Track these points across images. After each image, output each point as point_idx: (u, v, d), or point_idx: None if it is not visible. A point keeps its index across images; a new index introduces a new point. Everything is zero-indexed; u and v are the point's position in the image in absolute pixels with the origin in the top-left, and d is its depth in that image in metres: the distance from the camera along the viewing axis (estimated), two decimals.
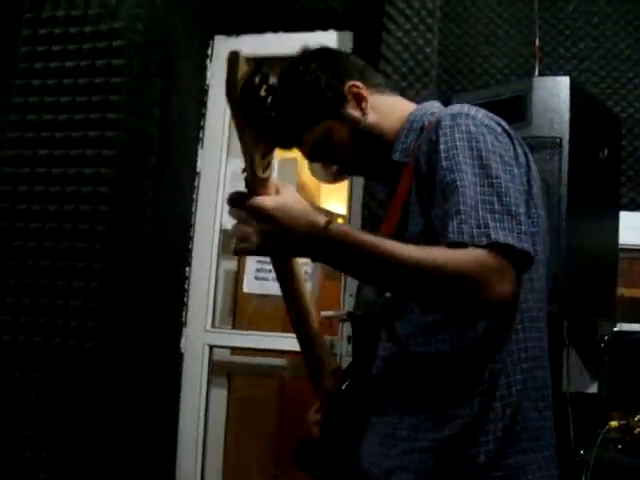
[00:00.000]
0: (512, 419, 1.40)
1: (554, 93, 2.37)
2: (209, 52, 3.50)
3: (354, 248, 1.26)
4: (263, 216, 1.24)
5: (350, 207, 3.22)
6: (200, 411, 3.26)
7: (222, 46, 3.50)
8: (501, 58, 3.28)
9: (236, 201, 1.27)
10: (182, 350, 3.28)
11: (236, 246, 1.27)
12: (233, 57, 1.18)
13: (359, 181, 3.03)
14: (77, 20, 2.74)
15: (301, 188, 3.85)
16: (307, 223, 1.25)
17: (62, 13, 2.75)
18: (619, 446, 2.31)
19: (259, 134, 1.26)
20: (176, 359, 3.25)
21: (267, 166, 1.28)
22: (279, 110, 1.48)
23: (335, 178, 3.68)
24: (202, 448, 3.26)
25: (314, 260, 1.33)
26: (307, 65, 1.65)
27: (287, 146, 1.69)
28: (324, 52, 1.73)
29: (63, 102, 2.72)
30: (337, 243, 1.26)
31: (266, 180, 1.28)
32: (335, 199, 4.15)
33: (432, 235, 1.38)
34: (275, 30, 3.41)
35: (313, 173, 3.84)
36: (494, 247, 1.28)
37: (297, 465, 1.72)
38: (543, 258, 1.50)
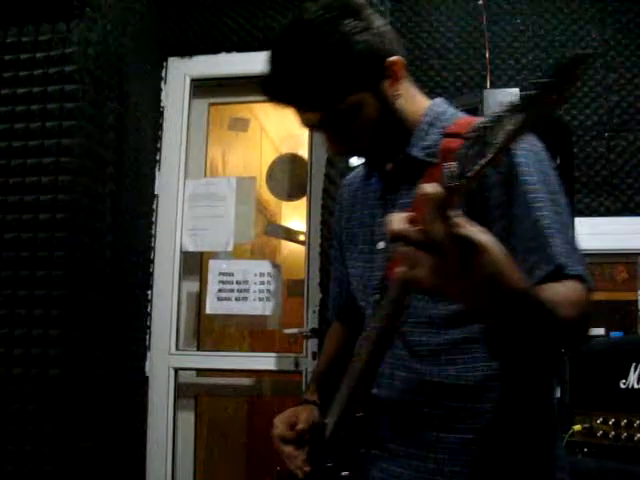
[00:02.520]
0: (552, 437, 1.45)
1: (505, 104, 2.41)
2: (163, 74, 3.50)
3: (529, 308, 1.09)
4: (468, 250, 0.95)
5: (309, 224, 3.23)
6: (168, 434, 3.23)
7: (176, 67, 3.51)
8: (453, 71, 3.33)
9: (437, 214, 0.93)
10: (147, 374, 3.25)
11: (405, 274, 1.00)
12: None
13: (318, 198, 3.04)
14: (28, 46, 2.72)
15: (261, 206, 3.86)
16: (516, 279, 1.03)
17: (12, 40, 2.73)
18: (584, 449, 2.34)
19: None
20: (141, 383, 3.22)
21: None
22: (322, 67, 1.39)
23: (294, 196, 3.72)
24: (171, 471, 3.23)
25: (481, 318, 1.18)
26: (355, 22, 1.44)
27: (309, 108, 1.50)
28: (366, 12, 1.49)
29: (17, 129, 2.69)
30: (529, 307, 1.09)
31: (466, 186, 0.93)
32: (296, 216, 4.17)
33: None
34: (229, 50, 3.42)
35: (272, 191, 3.87)
36: (579, 279, 1.29)
37: None
38: None
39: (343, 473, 1.47)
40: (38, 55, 2.70)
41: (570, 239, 1.35)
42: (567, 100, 0.87)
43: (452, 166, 0.92)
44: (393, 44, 1.51)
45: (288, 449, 1.65)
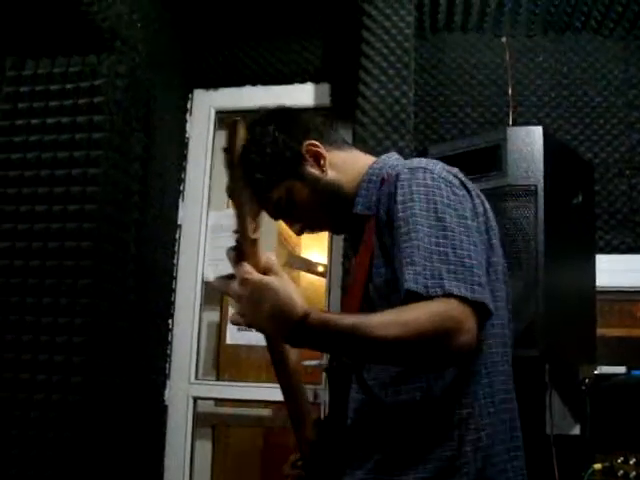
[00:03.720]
0: (483, 462, 1.42)
1: (528, 142, 2.42)
2: (188, 105, 3.55)
3: (334, 335, 1.29)
4: (246, 285, 1.33)
5: (331, 256, 3.25)
6: (185, 463, 3.23)
7: (201, 99, 3.56)
8: (475, 108, 3.35)
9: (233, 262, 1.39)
10: (166, 402, 3.26)
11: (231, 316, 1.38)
12: (232, 125, 1.25)
13: None
14: (58, 77, 2.78)
15: (282, 238, 3.88)
16: (284, 312, 1.29)
17: (44, 70, 2.79)
18: None
19: (252, 196, 1.35)
20: (160, 411, 3.23)
21: (256, 228, 1.37)
22: (247, 172, 1.53)
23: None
24: None
25: (293, 346, 1.39)
26: (265, 127, 1.66)
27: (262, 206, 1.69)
28: (281, 112, 1.74)
29: (45, 158, 2.75)
30: (316, 332, 1.29)
31: (256, 241, 1.37)
32: (316, 248, 4.19)
33: (396, 284, 1.41)
34: (254, 83, 3.48)
35: None
36: (449, 297, 1.31)
37: None
38: (504, 304, 1.54)
39: None
40: (68, 86, 2.76)
41: (442, 259, 1.36)
42: None
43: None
44: (310, 130, 1.70)
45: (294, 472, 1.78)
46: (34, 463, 2.55)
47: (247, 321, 1.33)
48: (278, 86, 3.40)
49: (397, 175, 1.50)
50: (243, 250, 1.35)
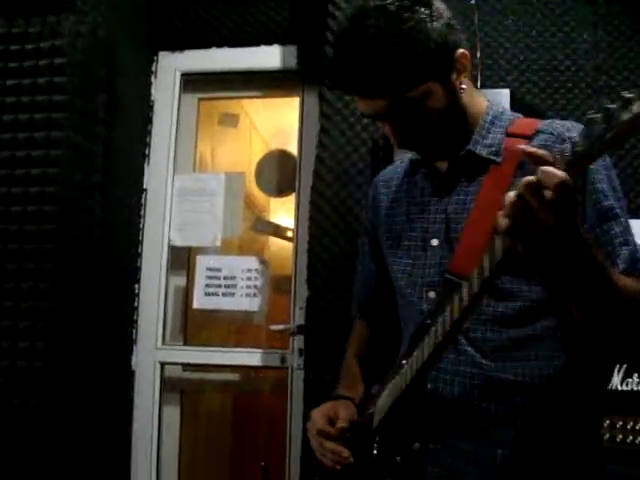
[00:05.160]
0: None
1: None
2: (153, 68, 3.49)
3: (592, 264, 1.24)
4: (572, 210, 1.14)
5: (297, 221, 3.23)
6: (153, 429, 3.23)
7: (166, 62, 3.50)
8: None
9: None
10: (133, 368, 3.25)
11: (516, 227, 1.14)
12: None
13: (306, 195, 3.04)
14: (18, 38, 2.71)
15: (250, 201, 3.86)
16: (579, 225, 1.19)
17: (1, 31, 2.72)
18: None
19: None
20: (128, 377, 3.22)
21: None
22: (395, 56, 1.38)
23: (282, 192, 3.72)
24: (156, 465, 3.22)
25: (557, 266, 1.22)
26: (429, 12, 1.43)
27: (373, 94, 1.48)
28: (438, 1, 1.49)
29: (5, 120, 2.69)
30: (585, 252, 1.22)
31: None
32: (284, 212, 4.17)
33: None
34: (220, 45, 3.42)
35: (261, 187, 3.86)
36: None
37: None
38: None
39: (397, 458, 1.47)
40: (28, 47, 2.69)
41: (634, 240, 1.43)
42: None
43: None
44: (460, 37, 1.51)
45: (330, 445, 1.63)
46: (4, 429, 2.53)
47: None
48: (245, 48, 3.34)
49: (570, 136, 1.44)
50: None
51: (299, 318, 3.08)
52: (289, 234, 3.69)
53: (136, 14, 3.25)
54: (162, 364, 3.30)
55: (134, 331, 3.27)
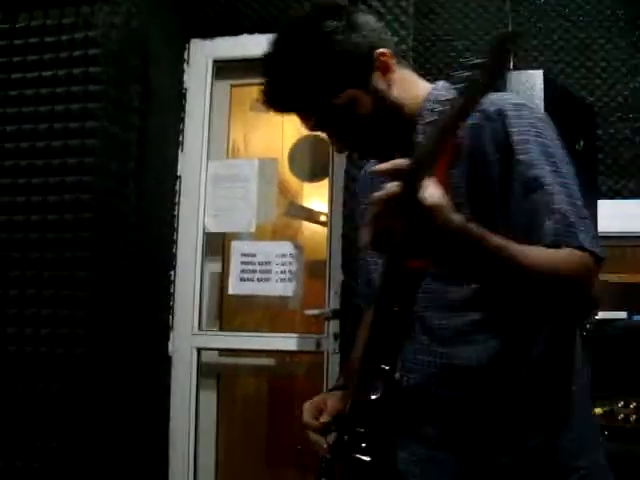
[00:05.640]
0: (584, 419, 1.47)
1: (528, 87, 2.40)
2: (185, 56, 3.50)
3: (485, 247, 1.20)
4: (423, 215, 1.12)
5: (331, 205, 3.24)
6: (190, 413, 3.27)
7: (198, 49, 3.51)
8: (475, 53, 3.31)
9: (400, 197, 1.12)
10: (170, 353, 3.29)
11: (375, 240, 1.17)
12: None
13: (340, 180, 3.05)
14: (52, 29, 2.74)
15: (283, 187, 3.87)
16: (452, 221, 1.15)
17: (37, 23, 2.75)
18: (605, 433, 2.34)
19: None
20: (164, 362, 3.26)
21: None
22: (309, 70, 1.42)
23: (316, 177, 3.71)
24: (194, 450, 3.27)
25: (441, 260, 1.24)
26: (336, 23, 1.46)
27: (304, 111, 1.53)
28: (349, 10, 1.51)
29: (42, 111, 2.73)
30: (472, 239, 1.19)
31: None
32: (317, 197, 4.18)
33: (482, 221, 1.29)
34: (251, 31, 3.42)
35: (294, 172, 3.87)
36: (582, 250, 1.30)
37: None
38: None
39: (364, 458, 1.48)
40: (63, 38, 2.73)
41: (571, 211, 1.34)
42: (500, 78, 1.07)
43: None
44: (380, 38, 1.53)
45: (314, 436, 1.66)
46: (39, 415, 2.58)
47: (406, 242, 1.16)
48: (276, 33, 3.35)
49: (500, 111, 1.40)
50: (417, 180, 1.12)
51: (334, 302, 3.09)
52: (322, 219, 3.69)
53: (168, 3, 3.27)
54: (198, 349, 3.33)
55: (170, 317, 3.30)
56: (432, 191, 1.12)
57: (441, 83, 1.57)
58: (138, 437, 2.91)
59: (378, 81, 1.51)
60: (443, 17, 3.39)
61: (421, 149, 1.12)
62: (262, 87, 1.52)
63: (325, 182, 3.40)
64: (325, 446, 1.63)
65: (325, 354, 3.11)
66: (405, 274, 1.32)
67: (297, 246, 3.37)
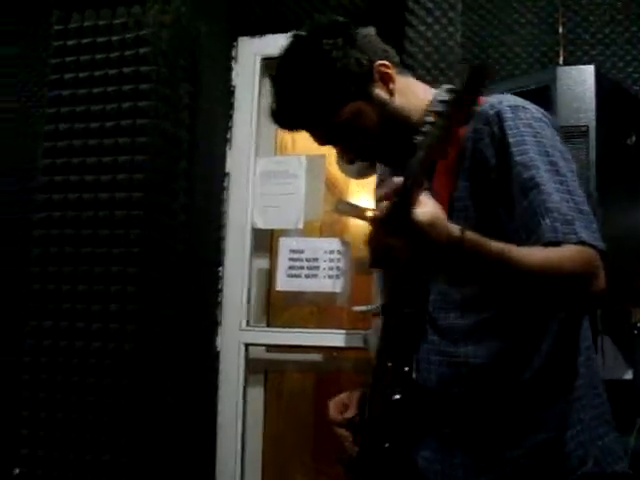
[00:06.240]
0: (592, 409, 1.47)
1: (579, 82, 2.37)
2: (234, 54, 3.53)
3: (484, 256, 1.23)
4: (416, 231, 1.16)
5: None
6: (238, 408, 3.30)
7: (246, 47, 3.54)
8: (525, 47, 3.27)
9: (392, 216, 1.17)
10: (218, 349, 3.32)
11: (375, 258, 1.24)
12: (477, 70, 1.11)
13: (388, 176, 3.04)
14: (104, 29, 2.79)
15: (330, 184, 3.87)
16: (447, 234, 1.19)
17: (89, 23, 2.80)
18: None
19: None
20: (212, 358, 3.29)
21: None
22: (310, 88, 1.47)
23: (363, 173, 3.71)
24: (241, 445, 3.29)
25: (443, 272, 1.32)
26: (334, 39, 1.54)
27: (312, 127, 1.61)
28: (347, 27, 1.60)
29: (94, 110, 2.77)
30: (469, 250, 1.21)
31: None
32: (364, 193, 4.17)
33: (484, 230, 1.31)
34: (298, 29, 3.42)
35: (342, 168, 3.87)
36: (583, 245, 1.31)
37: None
38: None
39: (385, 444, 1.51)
40: (114, 38, 2.77)
41: (570, 207, 1.35)
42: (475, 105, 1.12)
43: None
44: (378, 50, 1.61)
45: (340, 431, 1.73)
46: (91, 409, 2.63)
47: (404, 258, 1.20)
48: None
49: (498, 114, 1.43)
50: (409, 200, 1.18)
51: (381, 299, 3.08)
52: (369, 214, 3.69)
53: (216, 2, 3.30)
54: (246, 345, 3.36)
55: (219, 313, 3.33)
56: (424, 207, 1.16)
57: (444, 87, 1.60)
58: (186, 432, 2.94)
59: (380, 92, 1.58)
60: (492, 12, 3.36)
61: (411, 167, 1.16)
62: (271, 106, 1.61)
63: (371, 178, 3.39)
64: (350, 440, 1.67)
65: (373, 352, 3.10)
66: (415, 278, 1.35)
67: (345, 242, 3.37)
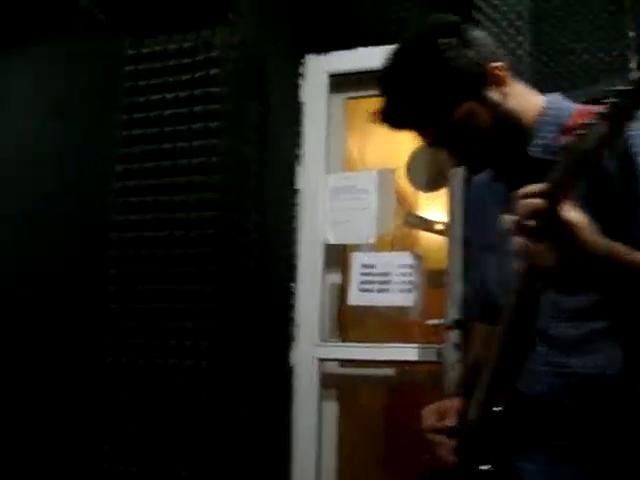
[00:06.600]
0: None
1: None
2: (301, 71, 3.56)
3: (620, 263, 1.26)
4: (570, 232, 1.18)
5: (452, 215, 3.21)
6: (313, 423, 3.31)
7: (313, 64, 3.57)
8: (595, 54, 3.22)
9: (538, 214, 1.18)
10: (292, 364, 3.34)
11: (533, 263, 1.23)
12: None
13: (459, 188, 3.02)
14: (174, 53, 2.86)
15: (400, 197, 3.87)
16: (594, 237, 1.21)
17: (160, 48, 2.87)
18: None
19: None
20: (287, 374, 3.31)
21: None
22: (425, 87, 1.48)
23: (433, 186, 3.70)
24: (316, 459, 3.30)
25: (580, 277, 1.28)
26: (449, 39, 1.52)
27: (421, 127, 1.60)
28: (460, 27, 1.58)
29: (166, 132, 2.84)
30: (612, 258, 1.24)
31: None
32: (434, 206, 4.16)
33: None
34: (365, 45, 3.45)
35: (412, 182, 3.87)
36: None
37: None
38: None
39: (483, 467, 1.49)
40: (184, 61, 2.83)
41: None
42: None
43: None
44: (492, 52, 1.59)
45: (439, 437, 1.69)
46: (170, 425, 2.68)
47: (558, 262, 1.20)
48: (390, 46, 3.36)
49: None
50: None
51: (454, 312, 3.07)
52: (439, 227, 3.68)
53: (283, 21, 3.34)
54: (321, 360, 3.37)
55: (292, 329, 3.36)
56: (572, 211, 1.18)
57: (553, 96, 1.63)
58: (262, 447, 2.96)
59: (494, 93, 1.55)
60: (561, 20, 3.31)
61: (560, 171, 1.16)
62: (380, 105, 1.59)
63: (442, 191, 3.38)
64: (449, 448, 1.64)
65: (445, 364, 3.08)
66: (529, 288, 1.34)
67: (417, 256, 3.36)
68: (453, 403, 1.75)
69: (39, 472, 2.96)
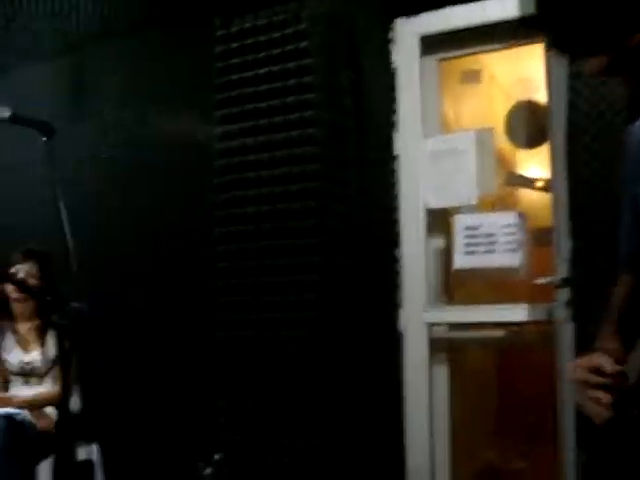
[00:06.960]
0: None
1: None
2: (391, 36, 3.52)
3: None
4: None
5: (555, 172, 3.13)
6: (424, 388, 3.31)
7: (403, 28, 3.52)
8: None
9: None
10: (401, 330, 3.34)
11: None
12: None
13: (560, 145, 2.94)
14: (263, 29, 2.88)
15: (499, 156, 3.81)
16: None
17: (249, 25, 2.90)
18: None
19: None
20: (396, 339, 3.32)
21: None
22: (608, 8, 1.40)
23: (533, 143, 3.61)
24: (429, 422, 3.31)
25: None
26: None
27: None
28: None
29: (260, 108, 2.87)
30: None
31: None
32: (533, 163, 4.07)
33: None
34: (454, 3, 3.38)
35: (512, 140, 3.79)
36: None
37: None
38: None
39: None
40: (274, 35, 2.85)
41: None
42: None
43: None
44: None
45: (595, 393, 1.64)
46: (282, 395, 2.73)
47: None
48: (479, 2, 3.29)
49: None
50: None
51: (563, 270, 3.00)
52: (539, 184, 3.60)
53: None
54: (429, 325, 3.36)
55: (399, 294, 3.36)
56: None
57: None
58: (374, 412, 2.99)
59: None
60: None
61: None
62: (555, 27, 1.50)
63: (539, 148, 3.30)
64: (605, 403, 1.59)
65: (557, 323, 3.03)
66: None
67: (521, 215, 3.30)
68: (603, 357, 1.69)
69: (160, 439, 3.11)
